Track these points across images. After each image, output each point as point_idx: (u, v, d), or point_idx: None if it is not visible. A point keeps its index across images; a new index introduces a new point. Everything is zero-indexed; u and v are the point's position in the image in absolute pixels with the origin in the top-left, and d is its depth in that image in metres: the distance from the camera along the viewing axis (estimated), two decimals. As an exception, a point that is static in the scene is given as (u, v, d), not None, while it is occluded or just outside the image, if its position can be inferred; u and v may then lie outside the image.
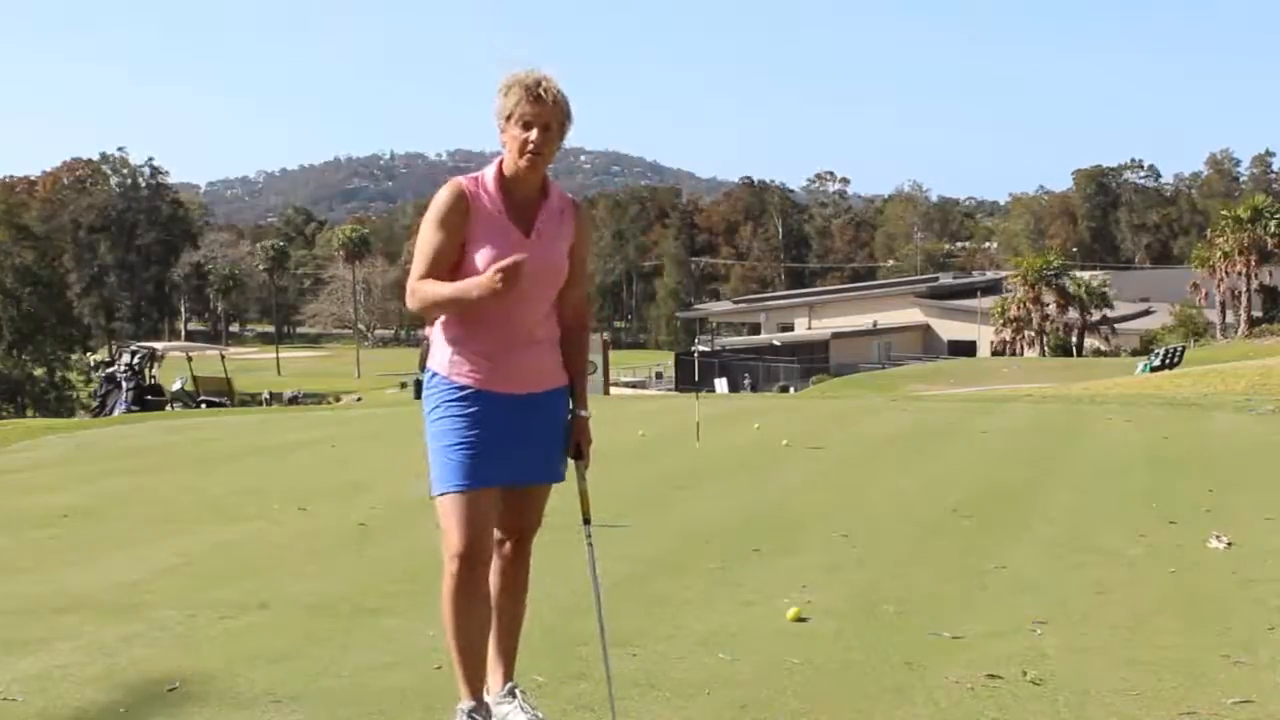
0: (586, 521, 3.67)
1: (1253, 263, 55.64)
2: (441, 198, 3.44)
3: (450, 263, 3.42)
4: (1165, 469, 9.12)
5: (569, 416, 3.62)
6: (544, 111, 3.35)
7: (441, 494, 3.42)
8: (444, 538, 3.41)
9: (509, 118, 3.38)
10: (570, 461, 3.64)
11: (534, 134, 3.36)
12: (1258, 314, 57.22)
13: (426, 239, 3.42)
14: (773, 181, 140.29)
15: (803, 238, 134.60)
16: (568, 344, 3.63)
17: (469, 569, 3.38)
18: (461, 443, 3.41)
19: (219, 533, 7.05)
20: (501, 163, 3.47)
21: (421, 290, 3.39)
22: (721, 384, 49.37)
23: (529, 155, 3.37)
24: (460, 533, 3.37)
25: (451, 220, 3.41)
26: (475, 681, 3.49)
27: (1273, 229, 55.58)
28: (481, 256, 3.38)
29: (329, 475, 9.54)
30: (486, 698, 3.56)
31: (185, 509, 7.98)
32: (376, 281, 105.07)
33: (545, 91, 3.35)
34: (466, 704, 3.48)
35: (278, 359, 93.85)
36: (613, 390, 38.25)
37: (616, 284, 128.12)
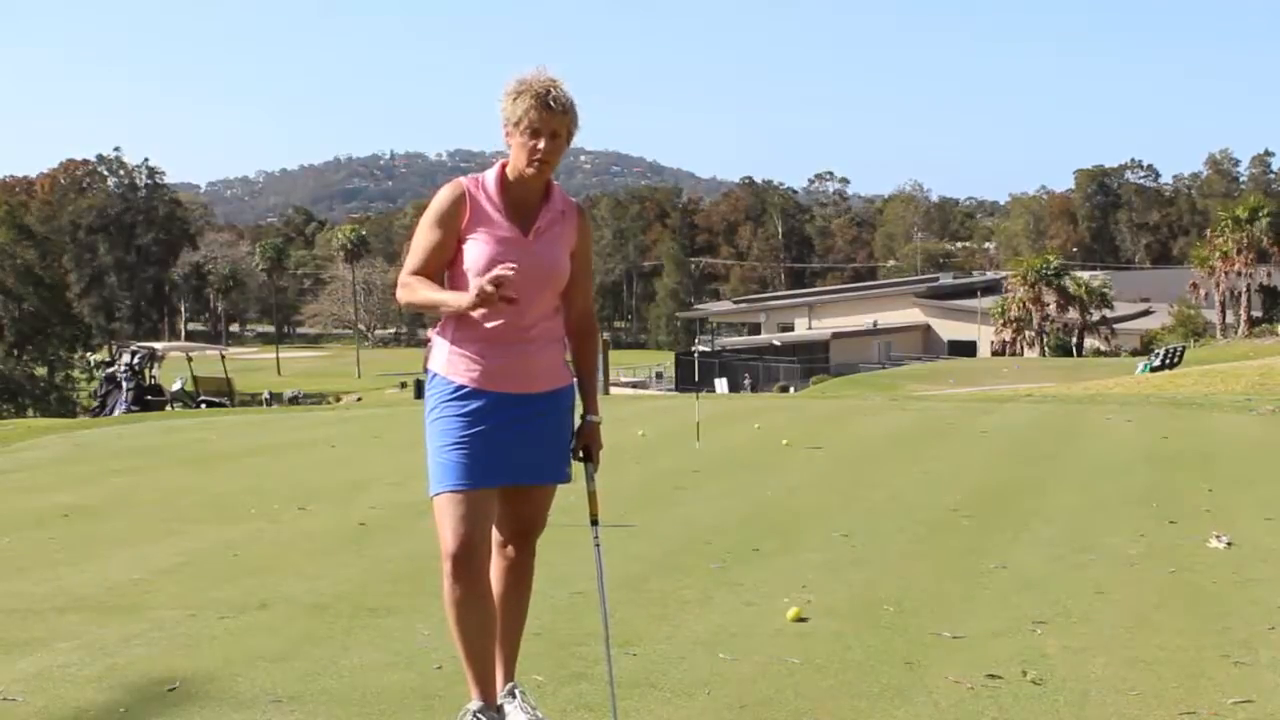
0: (595, 522, 3.67)
1: (1251, 262, 55.62)
2: (441, 196, 3.46)
3: (443, 260, 3.45)
4: (1165, 469, 9.12)
5: (577, 419, 3.62)
6: (554, 120, 3.35)
7: (437, 494, 3.43)
8: (439, 538, 3.42)
9: (517, 123, 3.37)
10: (579, 464, 3.64)
11: (542, 142, 3.36)
12: (1257, 314, 57.22)
13: (422, 235, 3.46)
14: (773, 181, 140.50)
15: (803, 238, 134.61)
16: (576, 348, 3.64)
17: (463, 569, 3.37)
18: (457, 443, 3.40)
19: (219, 532, 7.05)
20: (505, 165, 3.48)
21: (412, 288, 3.43)
22: (721, 384, 49.39)
23: (536, 163, 3.38)
24: (453, 533, 3.37)
25: (448, 219, 3.43)
26: (484, 682, 3.47)
27: (1264, 226, 55.55)
28: (477, 254, 3.40)
29: (329, 475, 9.54)
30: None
31: (185, 509, 7.98)
32: (376, 281, 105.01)
33: (555, 101, 3.34)
34: (474, 704, 3.47)
35: (278, 359, 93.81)
36: (613, 390, 38.26)
37: (616, 284, 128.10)
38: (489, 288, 3.20)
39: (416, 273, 3.44)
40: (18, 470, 10.41)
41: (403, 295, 3.47)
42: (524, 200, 3.47)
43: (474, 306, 3.28)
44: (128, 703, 3.98)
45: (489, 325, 3.40)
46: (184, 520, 7.51)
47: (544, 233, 3.46)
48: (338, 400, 54.16)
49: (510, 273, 3.22)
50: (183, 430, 14.13)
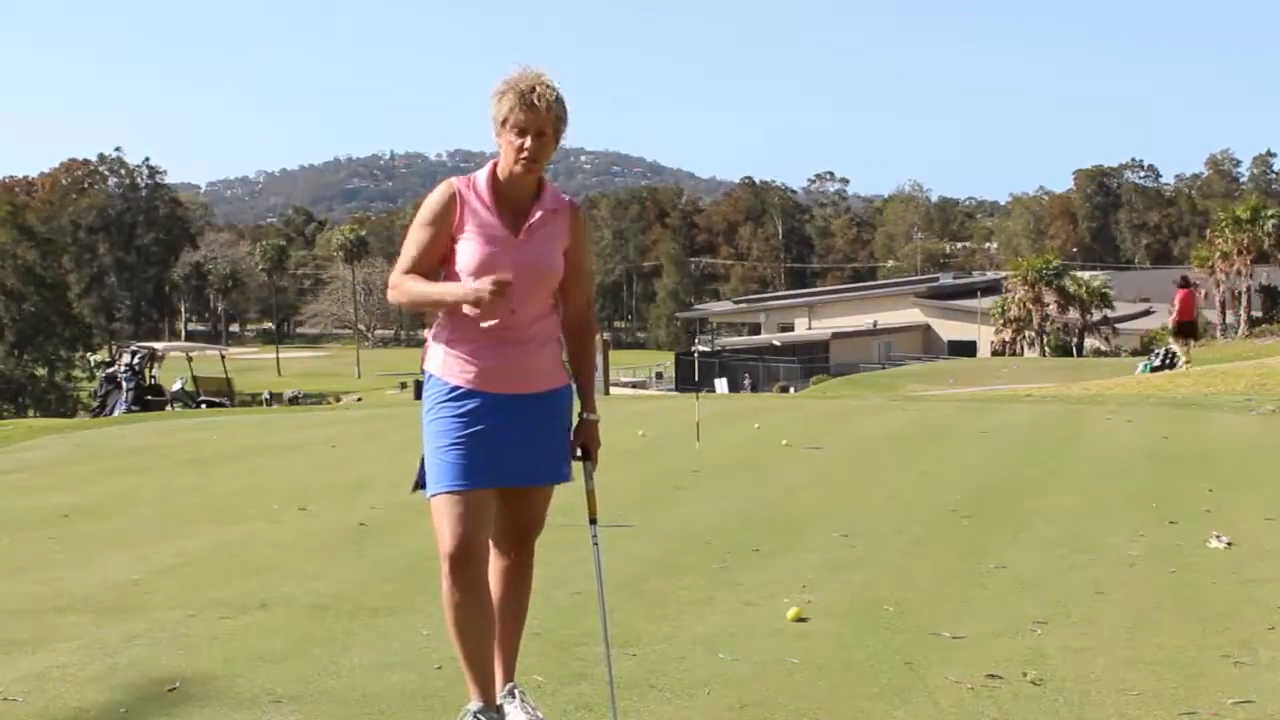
0: (593, 521, 3.67)
1: (1249, 263, 55.59)
2: (432, 197, 3.49)
3: (434, 260, 3.47)
4: (1165, 469, 9.12)
5: (575, 419, 3.62)
6: (538, 118, 3.34)
7: (434, 495, 3.43)
8: (437, 539, 3.42)
9: (504, 123, 3.38)
10: (578, 463, 3.63)
11: (528, 141, 3.36)
12: (1258, 314, 57.17)
13: (413, 235, 3.48)
14: (773, 182, 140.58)
15: (803, 238, 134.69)
16: (574, 346, 3.64)
17: (462, 570, 3.37)
18: (453, 444, 3.41)
19: (219, 533, 7.05)
20: (495, 164, 3.48)
21: (403, 285, 3.45)
22: (721, 384, 49.38)
23: (524, 162, 3.38)
24: (451, 534, 3.37)
25: (439, 219, 3.45)
26: (483, 682, 3.47)
27: (1269, 228, 55.53)
28: (468, 254, 3.41)
29: (329, 475, 9.54)
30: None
31: (185, 509, 7.98)
32: (376, 282, 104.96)
33: (539, 98, 3.34)
34: (474, 704, 3.47)
35: (278, 359, 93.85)
36: (613, 390, 38.26)
37: (616, 284, 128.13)
38: (485, 295, 3.21)
39: (408, 273, 3.45)
40: (18, 470, 10.42)
41: (393, 295, 3.49)
42: (515, 199, 3.47)
43: (468, 300, 3.28)
44: (128, 703, 3.98)
45: (483, 325, 3.40)
46: (184, 520, 7.51)
47: (535, 231, 3.46)
48: (337, 400, 54.19)
49: (509, 279, 3.22)
50: (183, 430, 14.13)
